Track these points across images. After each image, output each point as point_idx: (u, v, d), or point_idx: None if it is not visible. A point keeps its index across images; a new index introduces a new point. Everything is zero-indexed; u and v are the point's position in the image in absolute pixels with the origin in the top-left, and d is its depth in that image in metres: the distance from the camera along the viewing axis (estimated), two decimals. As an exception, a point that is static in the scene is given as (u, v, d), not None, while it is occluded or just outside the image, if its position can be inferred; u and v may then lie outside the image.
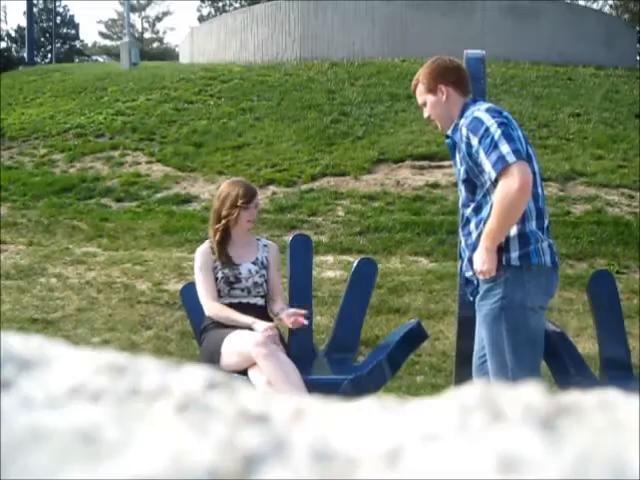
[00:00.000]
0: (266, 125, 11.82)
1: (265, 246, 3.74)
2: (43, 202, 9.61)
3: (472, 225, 2.87)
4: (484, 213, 2.81)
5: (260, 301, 3.60)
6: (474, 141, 2.73)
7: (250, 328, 3.37)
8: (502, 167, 2.65)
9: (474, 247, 2.82)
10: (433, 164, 10.10)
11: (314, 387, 3.13)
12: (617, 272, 6.87)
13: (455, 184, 9.10)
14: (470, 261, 2.85)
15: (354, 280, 3.89)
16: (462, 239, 2.95)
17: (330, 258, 7.52)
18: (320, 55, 16.01)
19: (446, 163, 10.00)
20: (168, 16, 50.41)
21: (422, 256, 7.69)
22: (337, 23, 16.58)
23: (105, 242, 8.12)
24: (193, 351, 4.61)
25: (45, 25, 43.05)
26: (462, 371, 3.25)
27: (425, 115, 3.01)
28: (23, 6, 46.18)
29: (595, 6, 31.53)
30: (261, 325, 3.37)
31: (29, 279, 6.75)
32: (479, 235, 2.79)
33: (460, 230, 2.97)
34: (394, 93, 12.79)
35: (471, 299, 2.96)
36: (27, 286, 6.54)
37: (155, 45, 49.14)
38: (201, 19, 40.08)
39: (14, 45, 41.28)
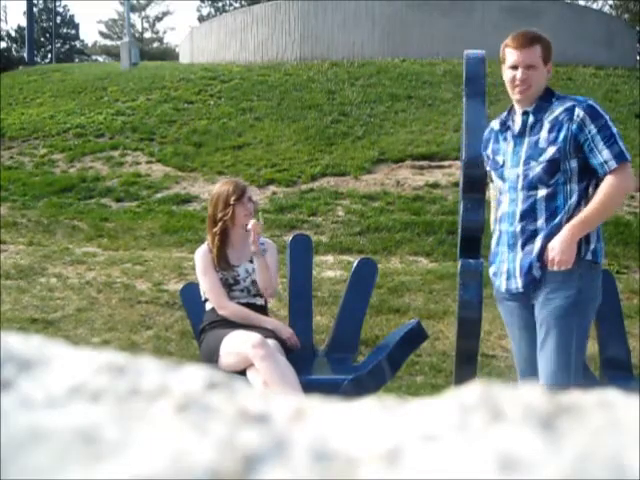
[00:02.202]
0: (266, 125, 11.82)
1: (262, 244, 3.73)
2: (43, 202, 9.62)
3: (540, 212, 2.77)
4: (559, 202, 2.75)
5: (260, 300, 3.59)
6: (590, 127, 2.73)
7: (268, 330, 3.40)
8: (621, 161, 2.71)
9: (548, 235, 2.74)
10: (433, 164, 10.10)
11: (314, 387, 3.13)
12: (617, 272, 6.87)
13: (456, 184, 9.04)
14: (541, 250, 2.74)
15: (354, 280, 3.89)
16: (518, 225, 2.80)
17: (330, 258, 7.52)
18: (320, 55, 16.01)
19: (446, 163, 10.01)
20: (168, 16, 50.57)
21: (422, 256, 7.69)
22: (337, 23, 16.57)
23: (105, 242, 8.12)
24: (193, 351, 4.61)
25: (45, 25, 43.06)
26: (462, 371, 3.25)
27: (522, 76, 2.83)
28: (23, 6, 46.24)
29: (595, 6, 31.57)
30: (285, 332, 3.45)
31: (29, 279, 6.74)
32: (558, 224, 2.72)
33: (517, 216, 2.80)
34: (394, 93, 12.78)
35: (521, 290, 2.80)
36: (27, 286, 6.53)
37: (155, 45, 49.15)
38: (201, 19, 40.12)
39: (14, 45, 41.31)
